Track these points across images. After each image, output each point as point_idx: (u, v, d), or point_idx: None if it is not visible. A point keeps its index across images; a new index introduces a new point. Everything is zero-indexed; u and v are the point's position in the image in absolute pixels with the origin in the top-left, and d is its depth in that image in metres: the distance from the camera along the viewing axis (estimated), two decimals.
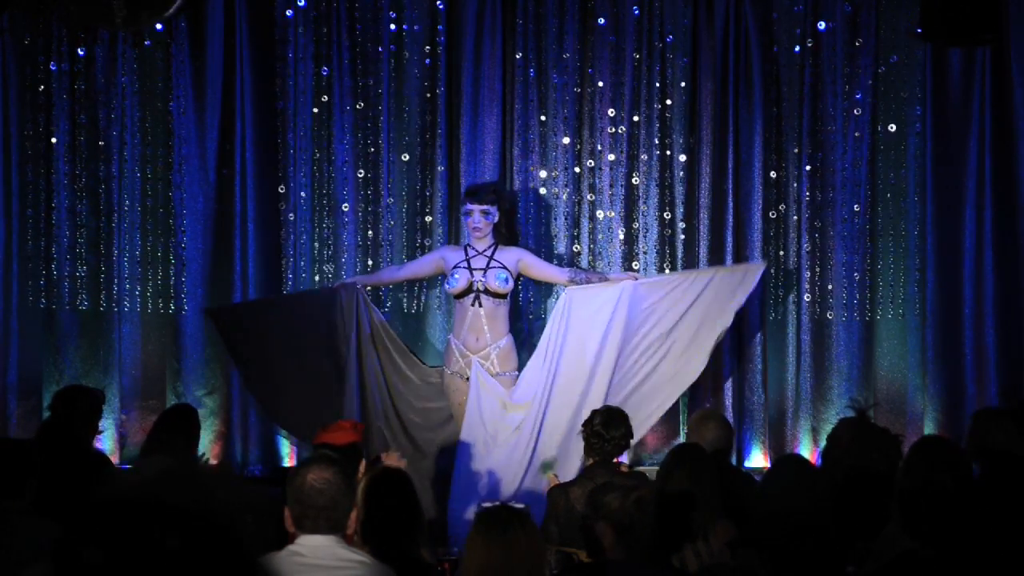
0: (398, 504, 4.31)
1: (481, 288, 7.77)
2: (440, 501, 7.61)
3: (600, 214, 8.64)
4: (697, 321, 7.80)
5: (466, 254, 7.88)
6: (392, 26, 8.56)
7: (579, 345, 7.70)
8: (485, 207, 7.85)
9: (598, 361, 7.65)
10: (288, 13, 8.51)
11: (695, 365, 7.83)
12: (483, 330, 7.76)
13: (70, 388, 6.88)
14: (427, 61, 8.57)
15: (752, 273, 7.96)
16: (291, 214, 8.54)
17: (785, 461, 5.30)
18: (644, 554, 4.29)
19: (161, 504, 1.82)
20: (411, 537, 4.29)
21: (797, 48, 8.63)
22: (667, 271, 8.62)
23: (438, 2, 8.55)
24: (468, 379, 7.69)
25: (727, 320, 7.84)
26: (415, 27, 8.56)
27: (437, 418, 7.97)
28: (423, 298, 8.58)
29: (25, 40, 8.39)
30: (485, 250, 7.88)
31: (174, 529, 1.79)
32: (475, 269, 7.80)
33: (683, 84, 8.61)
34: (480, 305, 7.77)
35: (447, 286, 7.93)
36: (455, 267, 7.84)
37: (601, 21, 8.60)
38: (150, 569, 1.75)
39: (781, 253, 8.67)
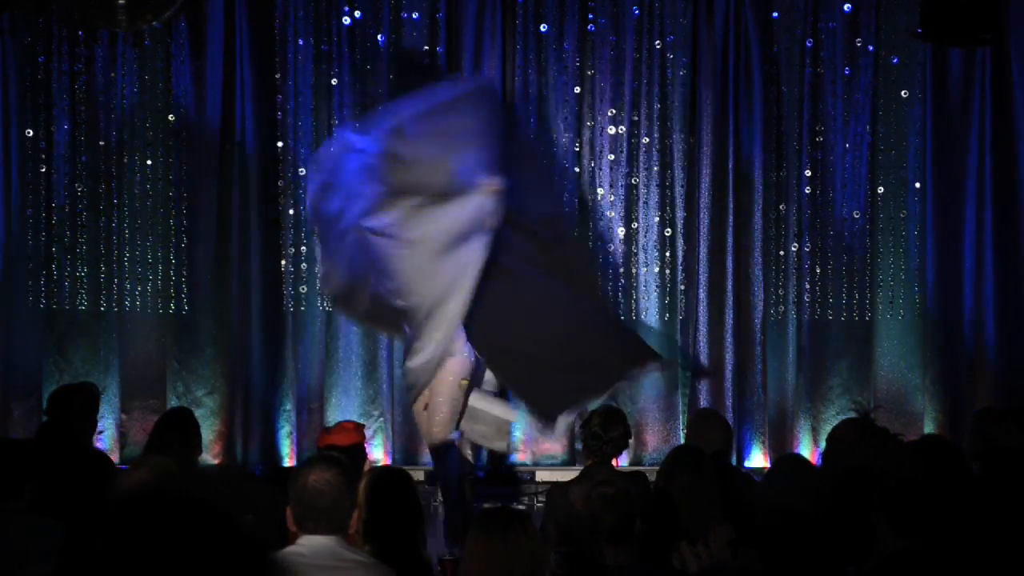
0: (400, 503, 4.31)
1: None
2: None
3: (601, 214, 8.64)
4: None
5: None
6: (392, 26, 8.56)
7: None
8: None
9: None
10: (287, 14, 8.52)
11: None
12: None
13: (63, 388, 6.86)
14: (427, 61, 8.57)
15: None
16: (291, 212, 8.54)
17: (785, 461, 5.31)
18: (637, 555, 4.30)
19: (163, 495, 1.83)
20: (412, 537, 4.30)
21: (797, 48, 8.64)
22: (667, 272, 8.64)
23: (438, 2, 8.55)
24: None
25: None
26: (415, 27, 8.56)
27: None
28: None
29: (25, 40, 8.39)
30: None
31: (178, 517, 1.79)
32: None
33: (683, 84, 8.62)
34: None
35: None
36: None
37: (601, 21, 8.60)
38: (157, 557, 1.76)
39: (781, 253, 8.68)
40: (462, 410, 6.84)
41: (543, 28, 8.59)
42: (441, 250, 6.68)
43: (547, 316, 6.95)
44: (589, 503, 4.36)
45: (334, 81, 8.55)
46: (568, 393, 6.72)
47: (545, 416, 6.76)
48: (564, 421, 6.73)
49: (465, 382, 6.85)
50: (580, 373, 6.79)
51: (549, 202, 7.35)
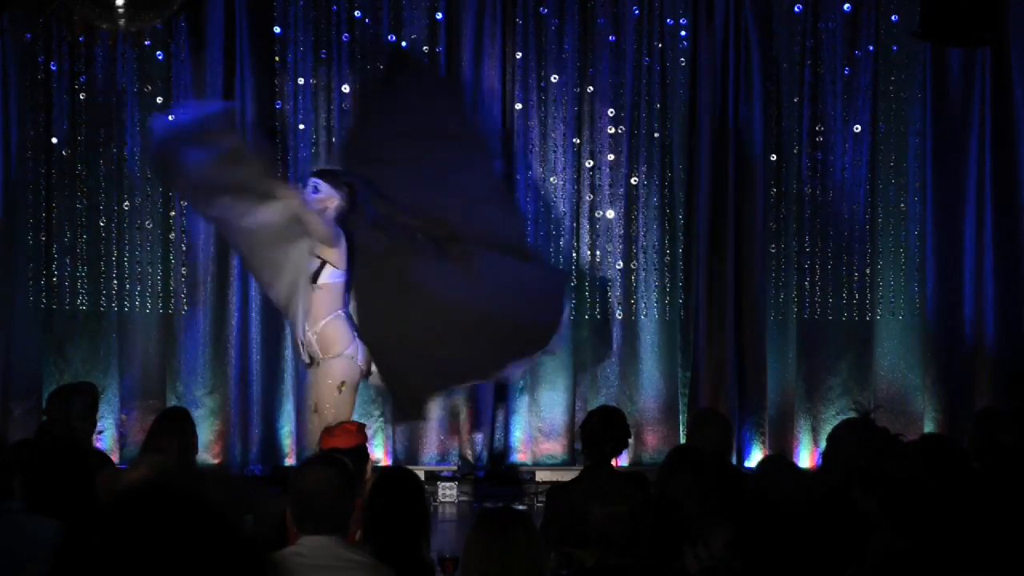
0: (403, 504, 4.30)
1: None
2: None
3: (600, 214, 8.64)
4: None
5: None
6: (392, 26, 8.56)
7: None
8: (314, 180, 6.99)
9: None
10: (287, 14, 8.52)
11: None
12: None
13: (62, 388, 6.85)
14: (427, 61, 8.56)
15: None
16: None
17: (770, 461, 5.31)
18: (642, 557, 4.28)
19: (160, 493, 1.82)
20: (413, 537, 4.29)
21: (797, 48, 8.64)
22: (667, 272, 8.64)
23: (438, 2, 8.55)
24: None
25: None
26: (415, 27, 8.56)
27: None
28: None
29: (25, 40, 8.39)
30: None
31: (175, 516, 1.79)
32: None
33: (683, 84, 8.62)
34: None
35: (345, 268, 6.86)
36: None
37: (601, 21, 8.60)
38: (154, 556, 1.75)
39: (782, 253, 8.68)
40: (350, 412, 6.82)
41: (543, 27, 8.59)
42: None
43: (442, 298, 7.02)
44: (602, 522, 4.31)
45: (334, 81, 8.54)
46: (438, 378, 7.05)
47: (410, 404, 7.13)
48: (431, 406, 7.40)
49: (343, 385, 6.77)
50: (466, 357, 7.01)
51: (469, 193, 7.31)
